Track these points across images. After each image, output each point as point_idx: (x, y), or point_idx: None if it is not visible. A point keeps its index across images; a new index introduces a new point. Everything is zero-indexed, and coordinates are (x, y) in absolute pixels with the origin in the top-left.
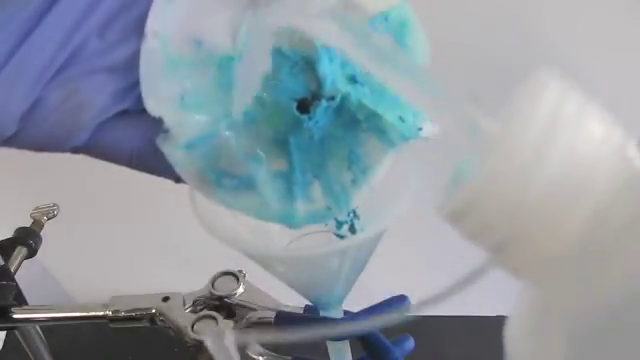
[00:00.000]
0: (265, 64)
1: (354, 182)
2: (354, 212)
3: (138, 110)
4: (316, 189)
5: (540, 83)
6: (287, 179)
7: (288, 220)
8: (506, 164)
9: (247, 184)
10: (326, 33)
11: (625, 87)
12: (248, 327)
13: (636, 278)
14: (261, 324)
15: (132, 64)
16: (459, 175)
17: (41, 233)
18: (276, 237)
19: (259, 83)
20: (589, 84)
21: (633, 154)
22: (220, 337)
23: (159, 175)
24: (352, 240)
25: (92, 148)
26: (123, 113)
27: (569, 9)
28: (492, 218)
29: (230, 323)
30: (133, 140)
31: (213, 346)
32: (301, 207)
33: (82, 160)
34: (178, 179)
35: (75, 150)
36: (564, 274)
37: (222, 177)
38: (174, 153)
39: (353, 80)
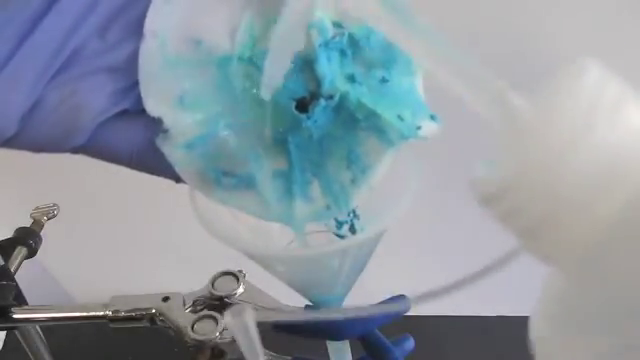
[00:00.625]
0: (299, 44)
1: (353, 181)
2: (354, 212)
3: (138, 110)
4: (315, 188)
5: (580, 68)
6: (286, 178)
7: (287, 219)
8: (543, 148)
9: (246, 183)
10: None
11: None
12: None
13: None
14: (261, 324)
15: (131, 64)
16: (494, 156)
17: (41, 233)
18: (276, 237)
19: (290, 60)
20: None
21: None
22: (240, 315)
23: (159, 175)
24: (352, 240)
25: (92, 148)
26: (123, 113)
27: (568, 10)
28: (525, 201)
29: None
30: (133, 140)
31: (233, 323)
32: (300, 206)
33: (82, 160)
34: (178, 179)
35: (75, 150)
36: (594, 263)
37: (221, 176)
38: (174, 153)
39: (352, 79)
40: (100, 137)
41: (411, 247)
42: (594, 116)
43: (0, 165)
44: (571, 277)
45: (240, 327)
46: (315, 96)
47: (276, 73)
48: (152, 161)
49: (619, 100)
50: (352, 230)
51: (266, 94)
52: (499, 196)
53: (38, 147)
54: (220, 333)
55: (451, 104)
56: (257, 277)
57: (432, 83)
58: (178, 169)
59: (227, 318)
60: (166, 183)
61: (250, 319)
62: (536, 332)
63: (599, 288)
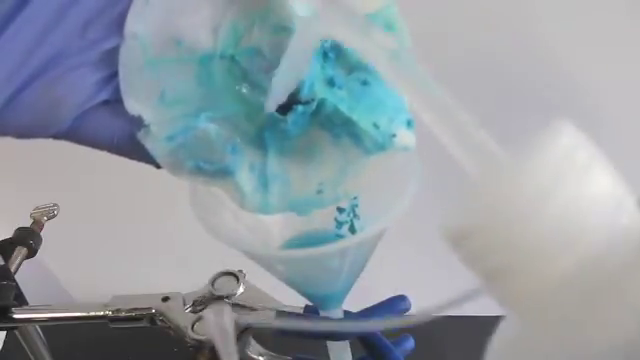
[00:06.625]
0: (305, 68)
1: (329, 181)
2: (354, 212)
3: (118, 98)
4: (288, 183)
5: (557, 129)
6: (262, 171)
7: (262, 210)
8: (512, 199)
9: (225, 172)
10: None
11: (623, 87)
12: (248, 327)
13: (617, 329)
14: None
15: (111, 57)
16: (465, 198)
17: (41, 233)
18: (276, 237)
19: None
20: (585, 84)
21: (631, 210)
22: (219, 314)
23: (139, 161)
24: (352, 240)
25: (73, 136)
26: (103, 102)
27: (567, 9)
28: (488, 247)
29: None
30: (113, 129)
31: (212, 320)
32: (274, 199)
33: (82, 160)
34: (159, 165)
35: (56, 137)
36: (547, 314)
37: (201, 164)
38: (156, 146)
39: (331, 83)
40: (81, 125)
41: (411, 247)
42: (562, 178)
43: (0, 165)
44: (523, 324)
45: (218, 327)
46: (295, 97)
47: (281, 92)
48: (133, 148)
49: (587, 165)
50: (352, 230)
51: (270, 107)
52: (464, 239)
53: (18, 135)
54: (230, 311)
55: None
56: (257, 277)
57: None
58: (160, 161)
59: (208, 316)
60: (166, 184)
61: (228, 320)
62: None
63: (547, 339)
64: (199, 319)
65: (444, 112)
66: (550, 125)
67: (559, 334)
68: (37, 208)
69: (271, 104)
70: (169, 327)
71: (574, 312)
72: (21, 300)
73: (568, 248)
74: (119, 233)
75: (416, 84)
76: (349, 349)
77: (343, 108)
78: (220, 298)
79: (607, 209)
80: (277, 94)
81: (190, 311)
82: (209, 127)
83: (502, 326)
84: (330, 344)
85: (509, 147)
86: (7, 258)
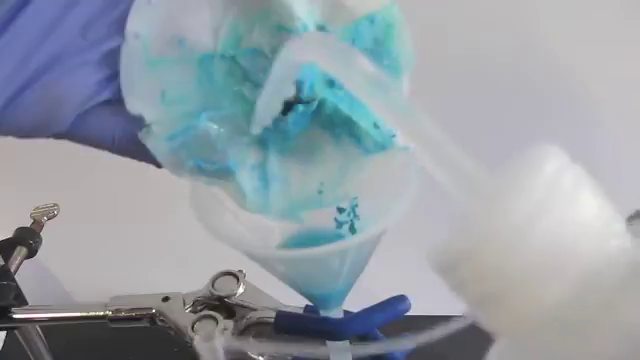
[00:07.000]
0: (289, 92)
1: (329, 180)
2: (354, 212)
3: (119, 98)
4: (289, 183)
5: (543, 153)
6: (262, 171)
7: (262, 210)
8: (499, 226)
9: (225, 171)
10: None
11: (622, 87)
12: (248, 327)
13: (608, 352)
14: (261, 324)
15: (112, 57)
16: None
17: (41, 233)
18: (276, 237)
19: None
20: (585, 84)
21: (620, 232)
22: (209, 338)
23: (140, 160)
24: (352, 240)
25: (74, 135)
26: (104, 102)
27: (567, 9)
28: (477, 274)
29: (230, 323)
30: (114, 128)
31: (201, 346)
32: (274, 199)
33: (82, 160)
34: (159, 164)
35: (57, 137)
36: (539, 339)
37: (202, 163)
38: (157, 145)
39: (331, 83)
40: (82, 125)
41: (411, 247)
42: (550, 203)
43: (0, 165)
44: (516, 349)
45: (209, 351)
46: (296, 98)
47: (266, 115)
48: (133, 147)
49: (574, 189)
50: (352, 230)
51: (256, 130)
52: (453, 266)
53: (19, 135)
54: (220, 333)
55: (450, 105)
56: (257, 277)
57: (427, 85)
58: (161, 160)
59: (197, 342)
60: (166, 184)
61: (219, 344)
62: None
63: None
64: (199, 319)
65: (428, 141)
66: (535, 147)
67: (552, 358)
68: (37, 208)
69: (256, 127)
70: (169, 327)
71: (566, 336)
72: (21, 300)
73: (558, 273)
74: (119, 233)
75: (397, 112)
76: (349, 349)
77: (343, 108)
78: (220, 299)
79: (595, 232)
80: (262, 117)
81: (190, 311)
82: (210, 127)
83: (494, 351)
84: (330, 344)
85: (496, 169)
86: (7, 258)
